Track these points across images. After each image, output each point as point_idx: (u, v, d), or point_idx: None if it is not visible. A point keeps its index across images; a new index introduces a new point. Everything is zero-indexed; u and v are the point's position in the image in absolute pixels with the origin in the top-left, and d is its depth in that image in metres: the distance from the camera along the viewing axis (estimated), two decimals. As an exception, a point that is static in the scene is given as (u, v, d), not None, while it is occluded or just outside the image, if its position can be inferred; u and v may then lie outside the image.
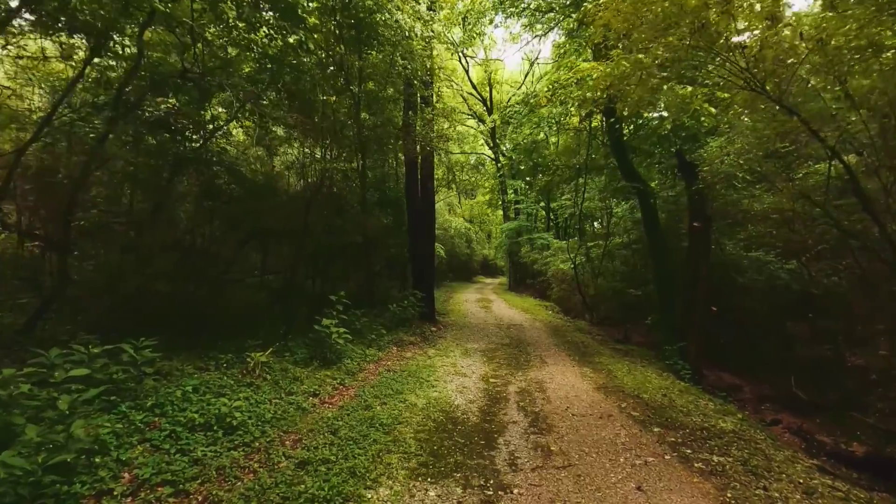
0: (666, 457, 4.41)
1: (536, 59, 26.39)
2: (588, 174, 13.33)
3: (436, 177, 15.64)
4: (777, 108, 5.58)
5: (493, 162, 27.77)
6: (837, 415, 7.45)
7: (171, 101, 8.87)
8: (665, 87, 7.96)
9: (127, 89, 7.16)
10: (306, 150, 8.87)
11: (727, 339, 10.28)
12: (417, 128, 9.75)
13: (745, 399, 8.93)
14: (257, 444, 4.37)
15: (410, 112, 10.09)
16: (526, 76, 24.84)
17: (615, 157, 9.88)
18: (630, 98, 7.16)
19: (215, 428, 4.39)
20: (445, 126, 11.25)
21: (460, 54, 26.35)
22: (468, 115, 27.63)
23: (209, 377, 5.67)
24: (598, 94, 8.29)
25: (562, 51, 9.39)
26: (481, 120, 25.49)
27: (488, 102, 27.15)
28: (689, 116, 8.46)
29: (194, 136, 9.13)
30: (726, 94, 7.58)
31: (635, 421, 5.42)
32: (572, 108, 8.59)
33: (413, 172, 11.99)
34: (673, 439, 4.87)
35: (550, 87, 8.33)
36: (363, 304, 12.08)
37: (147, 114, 8.05)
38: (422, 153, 11.49)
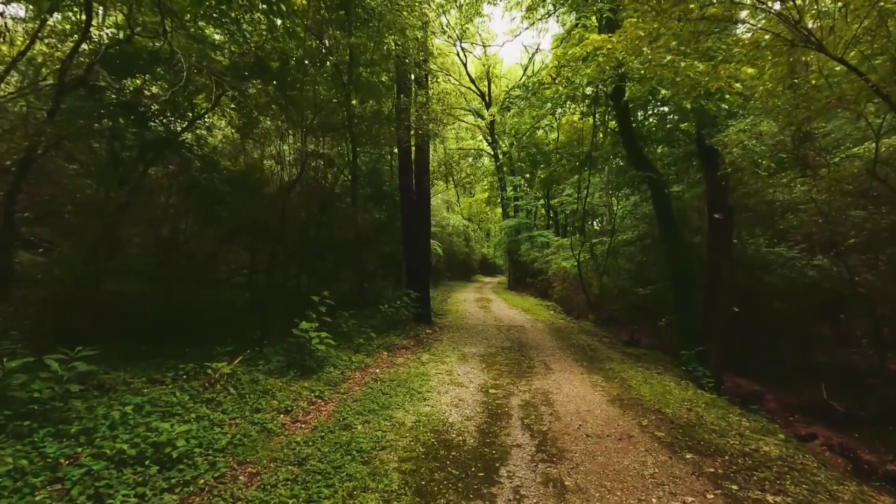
0: (709, 496, 3.52)
1: (536, 51, 25.55)
2: (593, 167, 12.43)
3: (431, 169, 14.73)
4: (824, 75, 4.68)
5: (492, 158, 26.92)
6: (879, 429, 6.57)
7: (134, 81, 8.01)
8: (683, 64, 7.10)
9: (74, 64, 6.27)
10: (288, 136, 7.94)
11: (745, 341, 9.40)
12: (411, 111, 8.85)
13: (771, 409, 8.05)
14: (201, 481, 3.48)
15: (403, 96, 9.19)
16: (525, 69, 23.92)
17: (624, 143, 9.00)
18: (645, 69, 6.28)
19: (148, 462, 3.49)
20: (440, 109, 10.35)
21: (458, 47, 25.53)
22: (466, 110, 26.77)
23: (160, 392, 4.78)
24: (609, 70, 7.42)
25: (567, 30, 8.51)
26: (480, 115, 24.60)
27: (487, 97, 26.25)
28: (709, 97, 7.59)
29: (166, 122, 8.27)
30: (751, 70, 6.72)
31: (662, 444, 4.53)
32: (579, 89, 7.71)
33: (406, 163, 11.10)
34: (712, 469, 3.98)
35: (557, 61, 7.46)
36: (354, 304, 11.21)
37: (110, 96, 7.19)
38: (416, 141, 10.61)
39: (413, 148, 11.55)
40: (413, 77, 9.65)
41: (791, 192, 7.72)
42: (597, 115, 10.00)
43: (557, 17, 12.52)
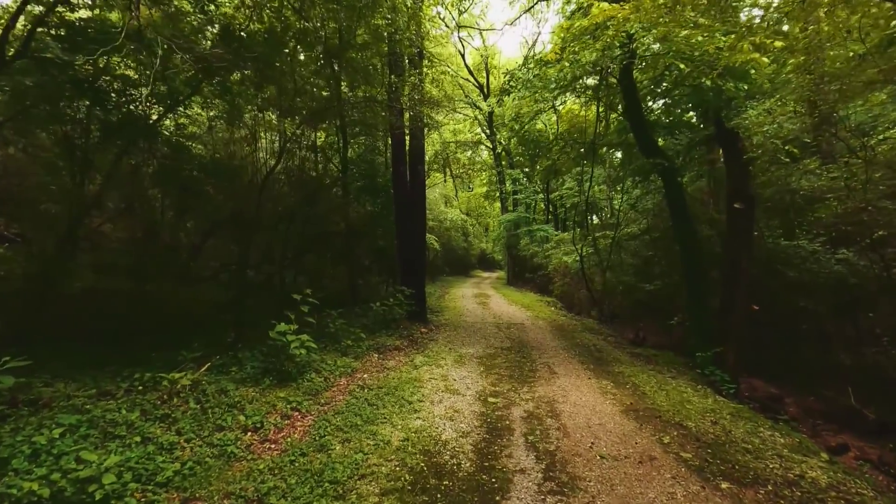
0: (759, 544, 2.83)
1: (535, 41, 24.70)
2: (596, 156, 11.66)
3: (427, 159, 13.94)
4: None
5: (491, 151, 26.14)
6: (919, 439, 5.89)
7: (97, 59, 7.22)
8: (700, 38, 6.36)
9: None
10: (264, 117, 7.16)
11: (761, 341, 8.70)
12: (404, 92, 8.08)
13: (792, 415, 7.37)
14: (130, 529, 2.78)
15: (394, 76, 8.43)
16: (526, 60, 23.05)
17: (633, 129, 8.26)
18: (661, 42, 5.53)
19: (63, 506, 2.79)
20: (436, 91, 9.58)
21: (456, 37, 24.65)
22: (465, 102, 25.94)
23: (106, 408, 4.06)
24: (618, 47, 6.67)
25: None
26: (478, 107, 23.77)
27: (485, 89, 25.41)
28: (729, 75, 6.85)
29: (142, 107, 7.52)
30: (780, 42, 5.97)
31: (690, 468, 3.84)
32: (586, 67, 6.96)
33: (400, 152, 10.34)
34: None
35: (561, 34, 6.71)
36: (346, 302, 10.50)
37: (71, 74, 6.41)
38: (410, 127, 9.85)
39: (407, 136, 10.80)
40: (406, 57, 8.87)
41: (818, 179, 7.01)
42: (602, 99, 9.20)
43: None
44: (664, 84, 8.63)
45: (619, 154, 20.20)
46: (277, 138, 8.31)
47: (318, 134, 10.03)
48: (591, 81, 10.14)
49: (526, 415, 5.09)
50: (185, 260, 9.38)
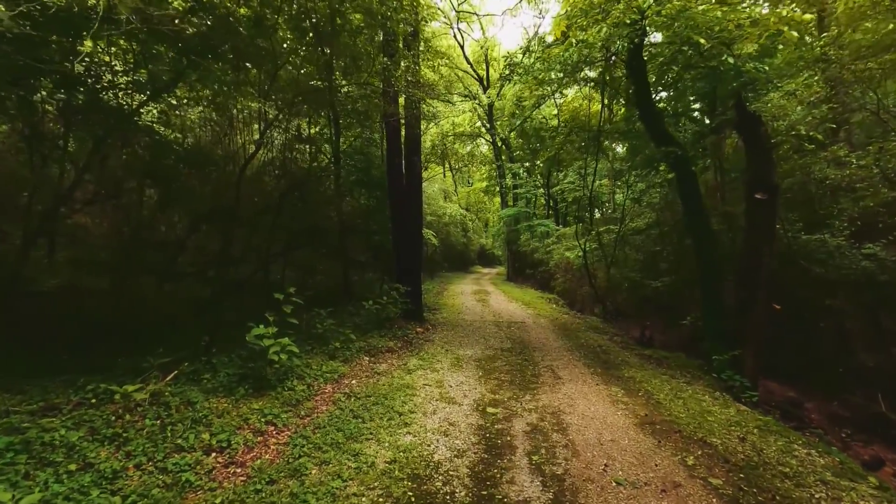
0: None
1: (536, 32, 23.95)
2: (601, 146, 11.00)
3: (424, 151, 13.30)
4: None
5: (490, 145, 25.50)
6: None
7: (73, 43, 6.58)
8: (720, 11, 5.73)
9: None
10: (240, 99, 6.49)
11: (775, 340, 8.12)
12: (397, 74, 7.43)
13: (814, 422, 6.82)
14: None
15: (388, 60, 7.78)
16: (528, 44, 22.33)
17: (642, 116, 7.62)
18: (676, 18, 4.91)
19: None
20: (431, 74, 8.94)
21: (455, 29, 23.92)
22: (464, 96, 25.26)
23: (48, 427, 3.49)
24: (627, 26, 6.04)
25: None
26: (474, 97, 23.09)
27: (485, 81, 24.71)
28: (750, 55, 6.23)
29: (122, 95, 6.92)
30: (809, 16, 5.34)
31: (722, 498, 3.27)
32: (594, 46, 6.32)
33: (395, 142, 9.72)
34: (808, 550, 2.72)
35: (567, 8, 6.09)
36: (339, 300, 9.93)
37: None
38: (406, 115, 9.23)
39: (403, 126, 10.18)
40: (401, 38, 8.21)
41: (846, 168, 6.40)
42: (609, 82, 8.52)
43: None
44: (674, 68, 7.99)
45: (619, 149, 19.69)
46: (260, 125, 7.69)
47: (309, 122, 9.38)
48: (593, 73, 9.47)
49: (529, 428, 4.52)
50: (171, 255, 8.80)
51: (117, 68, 7.28)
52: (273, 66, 5.90)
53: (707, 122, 9.16)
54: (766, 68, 6.78)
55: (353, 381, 5.91)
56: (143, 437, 3.66)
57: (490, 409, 5.04)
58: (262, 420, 4.38)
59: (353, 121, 10.05)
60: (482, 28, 25.37)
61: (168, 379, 4.59)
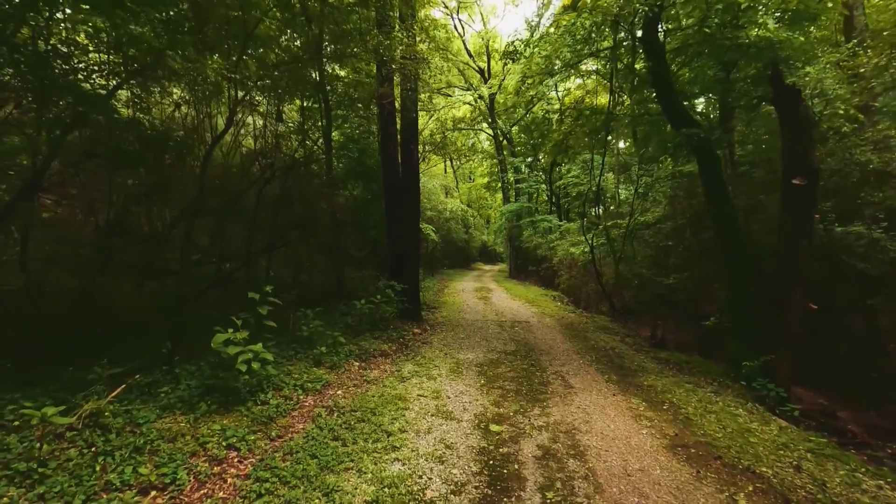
0: None
1: (538, 24, 23.06)
2: (606, 140, 10.17)
3: (421, 139, 12.49)
4: None
5: (492, 139, 24.68)
6: None
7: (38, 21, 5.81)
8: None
9: None
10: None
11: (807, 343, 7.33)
12: (394, 44, 6.63)
13: (854, 433, 6.03)
14: None
15: (381, 36, 6.99)
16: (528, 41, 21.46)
17: (659, 96, 6.82)
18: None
19: None
20: (426, 46, 8.14)
21: (455, 20, 23.06)
22: (464, 89, 24.42)
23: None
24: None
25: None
26: (475, 87, 22.24)
27: (486, 73, 23.85)
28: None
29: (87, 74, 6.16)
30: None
31: (795, 559, 2.50)
32: (610, 9, 5.52)
33: (390, 128, 8.94)
34: None
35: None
36: (331, 298, 9.18)
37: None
38: (401, 97, 8.45)
39: (398, 113, 9.39)
40: (398, 13, 7.41)
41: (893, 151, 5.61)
42: (622, 58, 7.65)
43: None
44: (691, 44, 7.15)
45: (622, 145, 18.82)
46: (230, 99, 6.86)
47: (301, 105, 8.59)
48: (605, 45, 8.58)
49: (541, 453, 3.76)
50: (154, 250, 8.07)
51: (90, 48, 6.54)
52: (243, 32, 5.09)
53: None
54: (802, 38, 5.97)
55: (339, 392, 5.17)
56: (66, 473, 2.92)
57: (494, 427, 4.28)
58: (224, 444, 3.63)
59: (343, 101, 9.24)
60: (483, 19, 24.52)
61: (115, 393, 3.85)
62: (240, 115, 6.96)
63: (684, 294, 9.81)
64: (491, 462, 3.60)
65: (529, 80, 8.08)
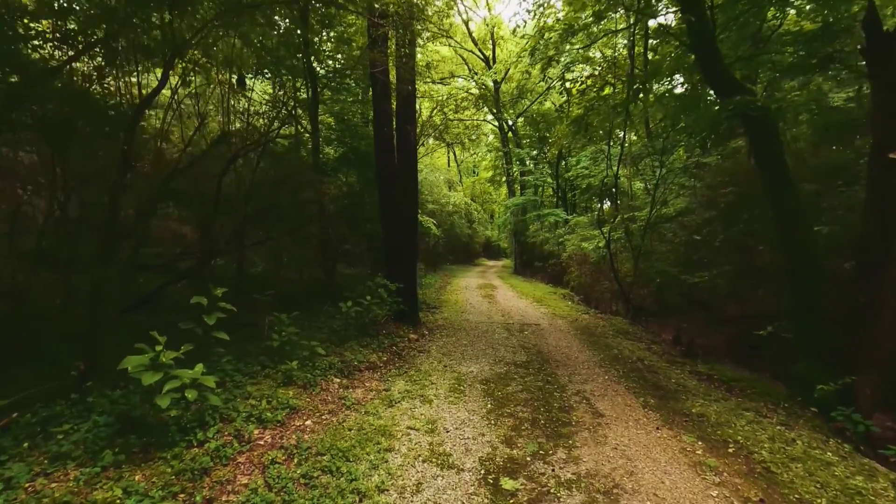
0: None
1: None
2: (631, 114, 8.83)
3: (419, 122, 11.25)
4: None
5: (497, 131, 23.36)
6: None
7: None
8: None
9: None
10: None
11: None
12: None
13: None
14: None
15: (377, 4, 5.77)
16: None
17: (698, 56, 5.49)
18: None
19: None
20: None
21: (460, 5, 21.67)
22: (469, 77, 23.08)
23: None
24: None
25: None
26: (473, 73, 20.92)
27: (492, 61, 22.49)
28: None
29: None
30: None
31: None
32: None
33: (384, 104, 7.71)
34: None
35: None
36: (318, 298, 8.03)
37: None
38: (396, 65, 7.23)
39: (393, 90, 8.15)
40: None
41: None
42: (646, 11, 6.30)
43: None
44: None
45: (633, 137, 17.48)
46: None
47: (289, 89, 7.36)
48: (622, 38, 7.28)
49: (575, 533, 2.56)
50: (133, 245, 6.91)
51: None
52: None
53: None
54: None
55: (308, 422, 3.99)
56: None
57: (506, 483, 3.09)
58: (119, 520, 2.46)
59: (334, 75, 7.97)
60: (488, 5, 23.09)
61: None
62: (193, 81, 5.75)
63: (712, 294, 8.57)
64: (505, 551, 2.41)
65: (549, 35, 6.77)
